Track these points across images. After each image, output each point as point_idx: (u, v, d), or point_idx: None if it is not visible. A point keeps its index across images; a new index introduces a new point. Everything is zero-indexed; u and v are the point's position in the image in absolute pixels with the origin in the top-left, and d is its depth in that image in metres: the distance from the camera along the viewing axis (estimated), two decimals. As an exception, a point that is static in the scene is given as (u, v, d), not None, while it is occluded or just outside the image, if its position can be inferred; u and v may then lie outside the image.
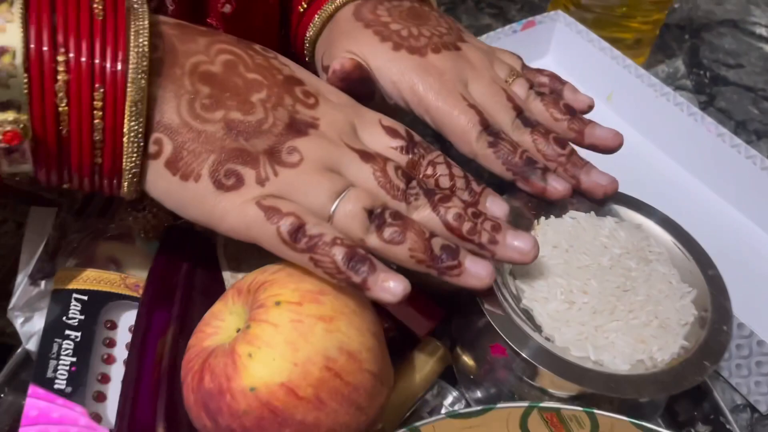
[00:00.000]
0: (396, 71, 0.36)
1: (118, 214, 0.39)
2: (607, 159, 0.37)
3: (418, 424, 0.31)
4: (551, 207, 0.35)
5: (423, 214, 0.31)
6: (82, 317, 0.32)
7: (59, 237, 0.34)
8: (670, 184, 0.52)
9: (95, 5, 0.27)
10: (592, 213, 0.36)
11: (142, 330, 0.33)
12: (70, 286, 0.33)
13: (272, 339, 0.28)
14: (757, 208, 0.49)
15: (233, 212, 0.29)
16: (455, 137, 0.36)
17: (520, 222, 0.34)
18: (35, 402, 0.29)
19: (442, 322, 0.39)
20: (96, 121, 0.27)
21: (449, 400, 0.38)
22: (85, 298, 0.33)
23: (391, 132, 0.33)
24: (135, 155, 0.28)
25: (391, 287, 0.28)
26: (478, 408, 0.31)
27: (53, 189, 0.35)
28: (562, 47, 0.60)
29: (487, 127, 0.35)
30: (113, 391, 0.31)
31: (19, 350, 0.33)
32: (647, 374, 0.29)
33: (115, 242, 0.36)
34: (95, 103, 0.27)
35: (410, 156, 0.33)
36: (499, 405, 0.31)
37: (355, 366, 0.29)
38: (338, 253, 0.28)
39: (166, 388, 0.31)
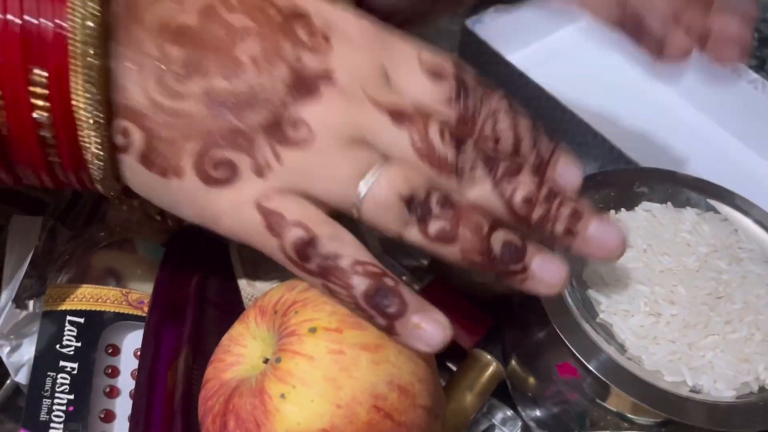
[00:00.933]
0: None
1: (113, 211, 0.34)
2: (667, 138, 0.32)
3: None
4: (621, 196, 0.30)
5: (481, 192, 0.24)
6: (79, 344, 0.27)
7: (47, 249, 0.29)
8: (736, 165, 0.46)
9: None
10: (669, 204, 0.30)
11: (150, 355, 0.28)
12: (63, 307, 0.28)
13: (308, 375, 0.23)
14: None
15: (229, 214, 0.23)
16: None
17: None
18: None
19: (490, 331, 0.34)
20: (38, 114, 0.21)
21: (499, 417, 0.33)
22: (82, 320, 0.28)
23: (435, 74, 0.24)
24: (100, 152, 0.22)
25: (427, 335, 0.22)
26: (549, 440, 0.26)
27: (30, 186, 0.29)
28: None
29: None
30: (119, 430, 0.27)
31: (8, 382, 0.28)
32: (758, 401, 0.25)
33: (113, 251, 0.31)
34: (32, 89, 0.20)
35: (462, 106, 0.24)
36: (572, 436, 0.27)
37: (408, 402, 0.24)
38: (359, 285, 0.22)
39: (181, 426, 0.26)
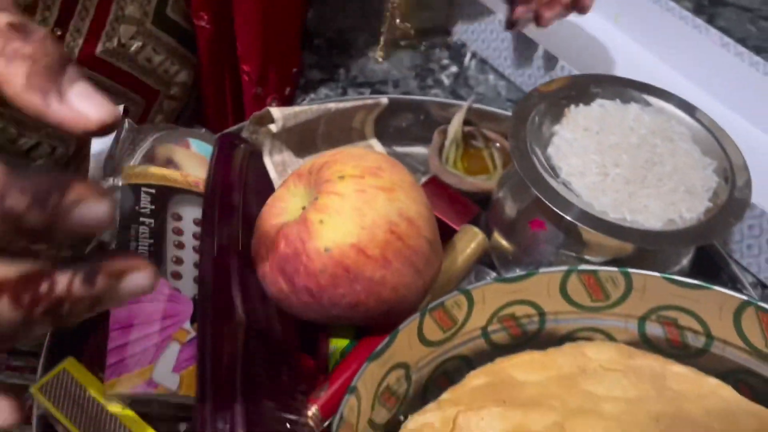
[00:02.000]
0: None
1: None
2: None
3: (469, 287, 0.33)
4: (580, 96, 0.38)
5: None
6: (153, 207, 0.35)
7: (123, 139, 0.37)
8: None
9: None
10: (618, 100, 0.38)
11: (210, 218, 0.35)
12: (138, 182, 0.35)
13: (340, 206, 0.30)
14: (762, 112, 0.52)
15: None
16: None
17: (554, 110, 0.37)
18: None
19: (476, 216, 0.42)
20: None
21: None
22: (153, 191, 0.35)
23: None
24: None
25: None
26: (523, 273, 0.34)
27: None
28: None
29: None
30: (186, 271, 0.34)
31: (93, 240, 0.35)
32: (678, 230, 0.32)
33: (172, 145, 0.38)
34: None
35: None
36: (541, 270, 0.34)
37: (414, 231, 0.31)
38: None
39: (237, 266, 0.34)
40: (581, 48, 0.55)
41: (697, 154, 0.36)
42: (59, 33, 0.38)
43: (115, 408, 0.27)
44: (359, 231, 0.30)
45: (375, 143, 0.45)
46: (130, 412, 0.27)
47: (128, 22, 0.42)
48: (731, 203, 0.34)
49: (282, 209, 0.33)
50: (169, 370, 0.29)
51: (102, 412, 0.27)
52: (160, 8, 0.43)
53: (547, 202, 0.33)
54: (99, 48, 0.41)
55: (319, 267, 0.30)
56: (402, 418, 0.33)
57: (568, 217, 0.32)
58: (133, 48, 0.43)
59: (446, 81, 0.56)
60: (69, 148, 0.43)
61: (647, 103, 0.38)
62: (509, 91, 0.55)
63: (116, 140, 0.35)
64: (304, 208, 0.32)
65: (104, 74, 0.42)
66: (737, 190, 0.34)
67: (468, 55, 0.58)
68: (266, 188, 0.40)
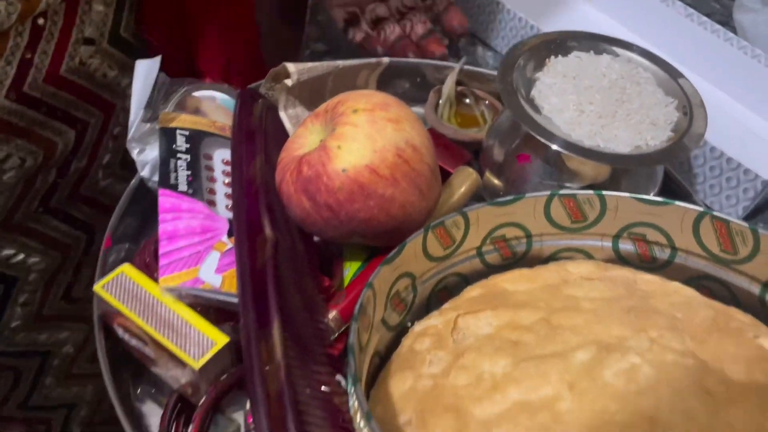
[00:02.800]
0: None
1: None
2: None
3: (465, 209, 0.39)
4: (558, 48, 0.43)
5: None
6: (188, 146, 0.39)
7: (158, 89, 0.41)
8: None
9: None
10: (591, 52, 0.44)
11: (238, 156, 0.40)
12: (173, 125, 0.40)
13: (355, 134, 0.35)
14: (722, 76, 0.58)
15: None
16: None
17: (536, 60, 0.42)
18: (166, 198, 0.36)
19: (469, 161, 0.47)
20: None
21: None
22: (187, 133, 0.40)
23: None
24: None
25: None
26: (511, 197, 0.39)
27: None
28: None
29: None
30: (219, 199, 0.39)
31: (136, 176, 0.40)
32: (645, 153, 0.38)
33: (199, 98, 0.43)
34: None
35: None
36: (527, 195, 0.39)
37: (418, 157, 0.36)
38: None
39: (264, 195, 0.39)
40: (559, 23, 0.61)
41: (660, 95, 0.41)
42: (29, 56, 0.43)
43: (168, 299, 0.32)
44: (371, 154, 0.35)
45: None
46: (181, 304, 0.32)
47: (87, 43, 0.46)
48: (690, 133, 0.39)
49: (301, 144, 0.38)
50: (212, 272, 0.33)
51: (157, 304, 0.32)
52: (115, 29, 0.47)
53: (534, 134, 0.38)
54: (63, 68, 0.45)
55: (337, 185, 0.35)
56: (409, 324, 0.38)
57: (553, 146, 0.38)
58: (92, 66, 0.47)
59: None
60: (37, 159, 0.47)
61: (617, 55, 0.44)
62: (495, 60, 0.60)
63: (153, 90, 0.40)
64: (321, 140, 0.37)
65: (68, 91, 0.46)
66: (695, 123, 0.40)
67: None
68: (282, 137, 0.45)
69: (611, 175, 0.40)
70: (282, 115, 0.46)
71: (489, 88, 0.51)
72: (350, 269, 0.41)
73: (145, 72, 0.39)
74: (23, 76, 0.42)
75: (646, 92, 0.41)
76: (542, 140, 0.38)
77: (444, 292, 0.40)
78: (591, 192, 0.39)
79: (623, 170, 0.40)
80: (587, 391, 0.30)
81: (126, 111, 0.49)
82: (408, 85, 0.53)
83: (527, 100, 0.40)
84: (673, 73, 0.43)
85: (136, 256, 0.36)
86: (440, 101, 0.50)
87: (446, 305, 0.39)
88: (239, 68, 0.47)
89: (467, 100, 0.51)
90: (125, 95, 0.50)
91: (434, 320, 0.37)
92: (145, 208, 0.40)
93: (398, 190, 0.36)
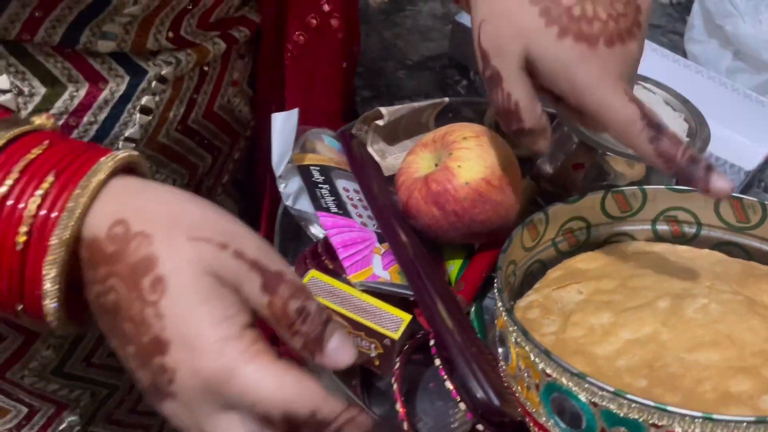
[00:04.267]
0: (559, 63, 0.35)
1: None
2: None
3: (546, 208, 0.49)
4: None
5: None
6: (323, 177, 0.49)
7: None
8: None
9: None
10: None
11: (363, 184, 0.50)
12: (306, 163, 0.50)
13: (469, 155, 0.46)
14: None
15: None
16: (617, 130, 0.37)
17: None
18: (326, 218, 0.45)
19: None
20: None
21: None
22: (318, 168, 0.50)
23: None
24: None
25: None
26: (578, 197, 0.50)
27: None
28: None
29: (649, 121, 0.36)
30: (359, 216, 0.48)
31: (281, 206, 0.49)
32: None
33: (314, 140, 0.53)
34: None
35: None
36: (589, 194, 0.51)
37: (514, 169, 0.48)
38: None
39: (392, 211, 0.48)
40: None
41: (670, 111, 0.54)
42: (195, 96, 0.52)
43: (356, 292, 0.41)
44: (485, 169, 0.46)
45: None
46: (367, 294, 0.41)
47: (233, 84, 0.56)
48: (699, 137, 0.52)
49: (417, 168, 0.48)
50: (381, 269, 0.43)
51: (349, 296, 0.41)
52: (252, 74, 0.57)
53: (592, 145, 0.50)
54: (215, 105, 0.54)
55: (462, 195, 0.45)
56: (512, 303, 0.48)
57: (607, 153, 0.50)
58: (234, 103, 0.57)
59: (462, 92, 0.73)
60: (183, 180, 0.56)
61: (636, 83, 0.57)
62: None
63: (296, 137, 0.50)
64: (436, 164, 0.47)
65: (215, 124, 0.55)
66: (701, 130, 0.53)
67: (471, 72, 0.75)
68: (374, 166, 0.55)
69: (646, 173, 0.52)
70: (370, 149, 0.56)
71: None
72: (455, 266, 0.51)
73: (282, 122, 0.49)
74: (189, 113, 0.51)
75: (661, 109, 0.54)
76: (599, 149, 0.50)
77: (530, 277, 0.51)
78: (635, 187, 0.51)
79: (653, 169, 0.52)
80: (677, 326, 0.41)
81: (246, 138, 0.59)
82: (458, 118, 0.64)
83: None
84: (676, 95, 0.56)
85: (298, 264, 0.45)
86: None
87: (537, 285, 0.49)
88: (330, 116, 0.58)
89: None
90: (248, 126, 0.60)
91: (533, 296, 0.48)
92: (287, 229, 0.49)
93: (504, 196, 0.47)
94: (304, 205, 0.47)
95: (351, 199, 0.50)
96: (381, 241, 0.46)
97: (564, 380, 0.36)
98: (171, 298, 0.29)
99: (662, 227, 0.52)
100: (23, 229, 0.30)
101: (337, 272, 0.43)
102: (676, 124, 0.53)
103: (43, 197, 0.30)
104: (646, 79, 0.57)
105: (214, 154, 0.57)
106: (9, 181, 0.31)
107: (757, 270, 0.47)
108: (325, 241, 0.45)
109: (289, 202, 0.49)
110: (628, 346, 0.41)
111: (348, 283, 0.42)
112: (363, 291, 0.42)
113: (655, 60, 0.73)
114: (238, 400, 0.28)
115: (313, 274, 0.42)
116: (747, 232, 0.50)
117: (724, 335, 0.40)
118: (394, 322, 0.40)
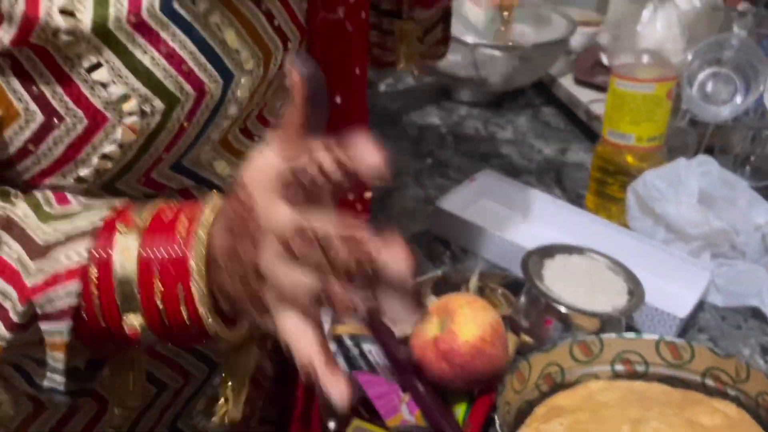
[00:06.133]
0: None
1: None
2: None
3: (527, 356, 0.63)
4: (549, 253, 0.72)
5: None
6: (352, 343, 0.62)
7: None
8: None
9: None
10: (567, 254, 0.73)
11: (385, 350, 0.63)
12: (339, 332, 0.63)
13: (467, 320, 0.60)
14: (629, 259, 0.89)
15: None
16: None
17: (537, 261, 0.71)
18: (363, 376, 0.58)
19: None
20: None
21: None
22: (349, 335, 0.63)
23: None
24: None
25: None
26: (550, 345, 0.65)
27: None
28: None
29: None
30: (383, 371, 0.61)
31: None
32: (618, 309, 0.66)
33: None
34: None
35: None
36: (560, 342, 0.65)
37: (501, 329, 0.62)
38: None
39: (410, 367, 0.61)
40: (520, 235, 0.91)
41: (612, 274, 0.71)
42: None
43: (394, 434, 0.53)
44: (480, 330, 0.60)
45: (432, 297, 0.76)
46: (400, 435, 0.53)
47: None
48: (637, 295, 0.68)
49: (427, 331, 0.62)
50: (408, 414, 0.55)
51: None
52: None
53: (554, 305, 0.65)
54: None
55: (464, 351, 0.59)
56: (508, 436, 0.61)
57: (562, 309, 0.65)
58: None
59: (447, 261, 0.88)
60: None
61: (582, 253, 0.73)
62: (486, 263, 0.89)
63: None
64: (442, 328, 0.62)
65: None
66: (637, 289, 0.69)
67: (452, 245, 0.91)
68: (390, 332, 0.69)
69: (600, 324, 0.67)
70: (385, 318, 0.70)
71: (499, 281, 0.79)
72: (461, 409, 0.63)
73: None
74: None
75: (605, 273, 0.70)
76: (560, 309, 0.65)
77: (521, 414, 0.63)
78: (594, 336, 0.65)
79: (607, 321, 0.67)
80: (638, 443, 0.54)
81: None
82: (450, 286, 0.79)
83: (543, 285, 0.68)
84: (615, 262, 0.73)
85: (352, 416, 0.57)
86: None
87: (527, 420, 0.62)
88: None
89: (486, 290, 0.79)
90: None
91: (525, 431, 0.61)
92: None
93: (495, 350, 0.60)
94: (340, 365, 0.60)
95: (375, 358, 0.63)
96: (404, 390, 0.59)
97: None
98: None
99: (619, 367, 0.66)
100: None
101: (374, 419, 0.55)
102: (617, 284, 0.69)
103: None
104: (592, 249, 0.74)
105: None
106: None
107: (693, 396, 0.61)
108: (361, 394, 0.58)
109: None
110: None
111: (386, 428, 0.54)
112: (396, 432, 0.54)
113: (606, 232, 0.90)
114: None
115: (357, 423, 0.54)
116: (683, 367, 0.64)
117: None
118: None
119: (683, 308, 0.77)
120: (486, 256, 0.89)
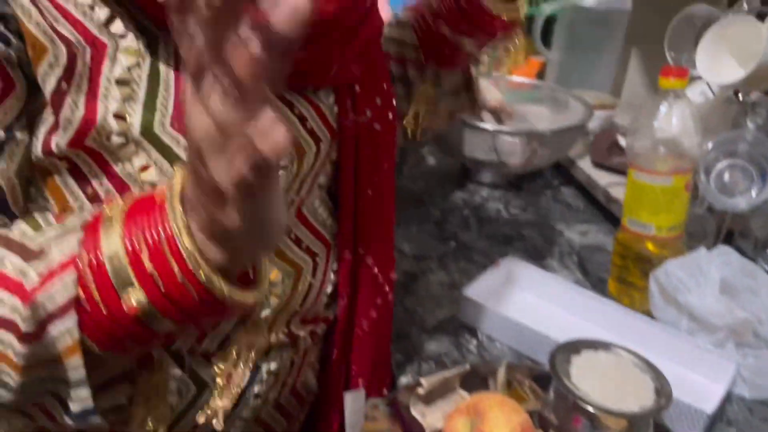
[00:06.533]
0: None
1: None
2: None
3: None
4: (574, 349, 0.74)
5: None
6: None
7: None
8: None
9: None
10: (593, 350, 0.74)
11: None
12: (367, 429, 0.65)
13: (497, 421, 0.62)
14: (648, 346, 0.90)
15: None
16: None
17: (563, 357, 0.72)
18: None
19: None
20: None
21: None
22: (380, 434, 0.65)
23: None
24: None
25: None
26: (580, 446, 0.65)
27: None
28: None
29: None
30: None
31: None
32: (646, 409, 0.67)
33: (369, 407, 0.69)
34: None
35: None
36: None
37: (530, 427, 0.63)
38: None
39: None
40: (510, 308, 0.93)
41: (638, 372, 0.72)
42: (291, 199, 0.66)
43: None
44: (510, 428, 0.61)
45: (461, 392, 0.77)
46: None
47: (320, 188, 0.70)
48: (664, 392, 0.69)
49: (455, 431, 0.63)
50: None
51: None
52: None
53: (584, 406, 0.66)
54: (303, 208, 0.69)
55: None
56: None
57: (590, 409, 0.66)
58: (318, 211, 0.70)
59: (474, 351, 0.90)
60: None
61: (609, 349, 0.75)
62: (489, 343, 0.90)
63: (364, 411, 0.65)
64: (471, 429, 0.63)
65: (305, 225, 0.69)
66: (665, 387, 0.70)
67: (479, 333, 0.93)
68: (419, 426, 0.70)
69: (628, 424, 0.68)
70: (413, 411, 0.72)
71: (526, 374, 0.80)
72: None
73: (352, 399, 0.65)
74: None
75: (632, 370, 0.72)
76: (588, 408, 0.66)
77: None
78: (621, 434, 0.66)
79: (636, 420, 0.68)
80: None
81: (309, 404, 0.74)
82: (478, 381, 0.80)
83: (570, 383, 0.69)
84: (642, 359, 0.74)
85: None
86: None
87: None
88: (379, 385, 0.75)
89: (513, 383, 0.80)
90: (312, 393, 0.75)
91: None
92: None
93: (526, 450, 0.62)
94: (374, 466, 0.62)
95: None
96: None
97: None
98: None
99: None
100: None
101: None
102: (644, 382, 0.70)
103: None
104: (618, 345, 0.75)
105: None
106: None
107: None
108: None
109: None
110: None
111: None
112: None
113: (631, 322, 0.92)
114: None
115: None
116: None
117: None
118: None
119: (710, 403, 0.77)
120: (513, 344, 0.90)
